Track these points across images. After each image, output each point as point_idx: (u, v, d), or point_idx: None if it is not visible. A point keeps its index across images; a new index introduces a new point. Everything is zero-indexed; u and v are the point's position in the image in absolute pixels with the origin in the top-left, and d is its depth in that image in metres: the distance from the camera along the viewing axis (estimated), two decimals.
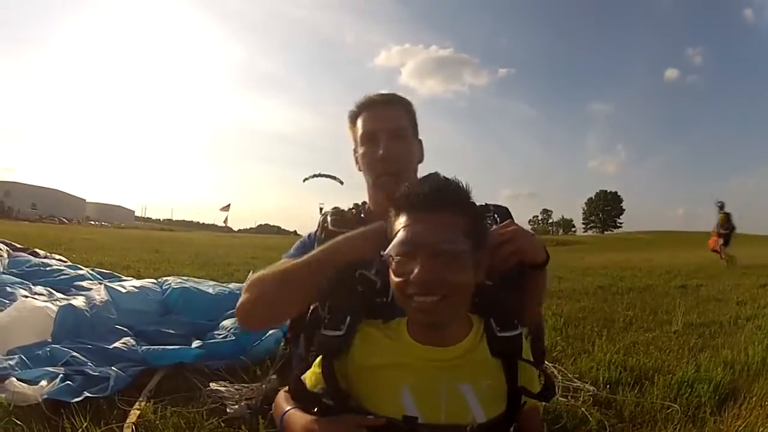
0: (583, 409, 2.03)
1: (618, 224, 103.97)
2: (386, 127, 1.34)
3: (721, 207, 11.95)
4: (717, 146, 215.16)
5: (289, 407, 0.99)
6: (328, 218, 1.39)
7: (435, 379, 0.91)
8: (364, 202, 1.46)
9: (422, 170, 1.39)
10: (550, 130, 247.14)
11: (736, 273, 8.81)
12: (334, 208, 1.44)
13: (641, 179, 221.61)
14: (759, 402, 2.11)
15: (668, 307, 4.80)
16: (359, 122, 1.39)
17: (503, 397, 0.95)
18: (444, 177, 0.96)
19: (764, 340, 3.23)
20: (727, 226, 11.77)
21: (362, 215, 1.40)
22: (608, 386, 2.33)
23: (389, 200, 1.02)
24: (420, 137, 1.45)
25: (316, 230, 1.41)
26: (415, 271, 0.85)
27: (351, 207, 1.46)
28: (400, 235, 0.90)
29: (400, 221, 0.92)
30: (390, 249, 0.89)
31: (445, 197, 0.91)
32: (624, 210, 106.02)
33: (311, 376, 0.99)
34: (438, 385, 0.90)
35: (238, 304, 1.21)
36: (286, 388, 1.06)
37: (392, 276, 0.91)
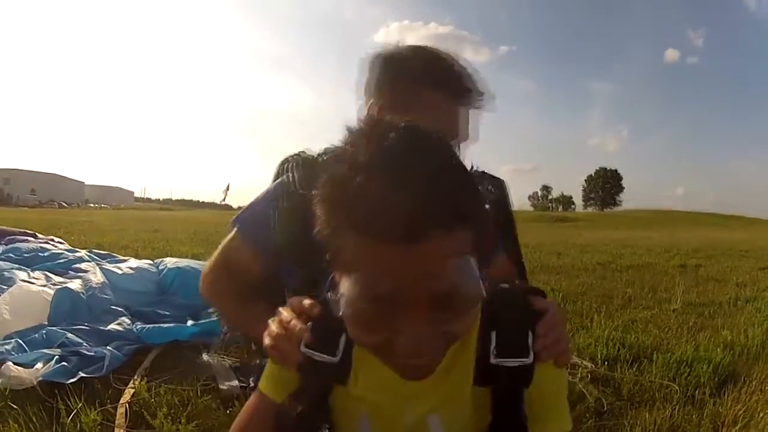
0: (581, 385, 2.01)
1: (617, 202, 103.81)
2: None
3: None
4: (716, 129, 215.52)
5: None
6: (294, 175, 0.97)
7: (398, 407, 0.69)
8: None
9: None
10: (551, 107, 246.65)
11: (735, 255, 8.76)
12: (298, 155, 1.03)
13: (642, 158, 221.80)
14: (759, 386, 2.08)
15: (667, 285, 4.80)
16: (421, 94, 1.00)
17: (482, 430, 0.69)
18: (433, 160, 0.54)
19: (764, 322, 3.23)
20: None
21: None
22: (606, 363, 2.32)
23: None
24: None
25: (278, 189, 1.00)
26: (401, 340, 0.55)
27: (322, 152, 1.02)
28: (366, 280, 0.53)
29: (356, 246, 0.53)
30: (348, 302, 0.54)
31: (440, 212, 0.51)
32: (624, 188, 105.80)
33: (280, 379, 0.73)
34: (402, 414, 0.69)
35: (204, 280, 1.09)
36: None
37: (353, 329, 0.60)
